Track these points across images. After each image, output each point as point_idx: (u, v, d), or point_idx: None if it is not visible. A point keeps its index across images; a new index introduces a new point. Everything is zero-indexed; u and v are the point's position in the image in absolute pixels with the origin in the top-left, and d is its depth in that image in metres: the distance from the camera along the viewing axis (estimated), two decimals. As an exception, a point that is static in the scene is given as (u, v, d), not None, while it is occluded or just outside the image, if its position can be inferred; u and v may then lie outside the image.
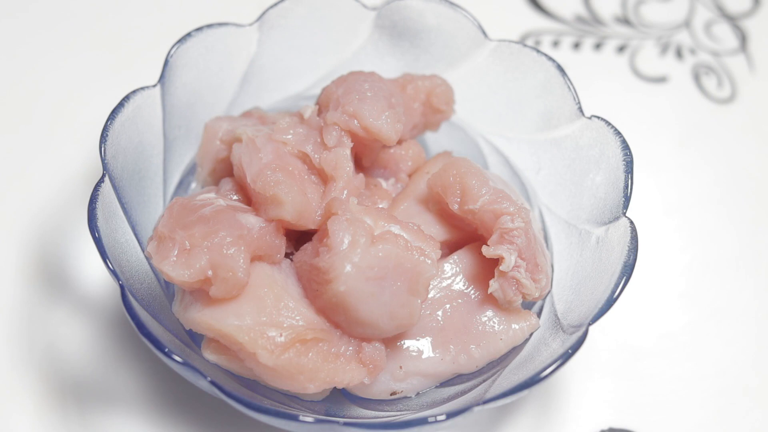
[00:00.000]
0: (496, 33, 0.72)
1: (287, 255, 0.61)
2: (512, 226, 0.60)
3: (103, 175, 0.59)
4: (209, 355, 0.58)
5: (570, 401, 0.70)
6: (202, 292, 0.56)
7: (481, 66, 0.71)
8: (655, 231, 0.79)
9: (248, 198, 0.62)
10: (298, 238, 0.62)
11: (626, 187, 0.61)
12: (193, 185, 0.71)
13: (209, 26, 0.67)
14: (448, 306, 0.62)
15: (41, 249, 0.74)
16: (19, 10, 0.89)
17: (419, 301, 0.57)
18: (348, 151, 0.62)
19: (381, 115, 0.62)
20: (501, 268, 0.60)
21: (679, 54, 0.92)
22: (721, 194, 0.83)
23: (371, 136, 0.62)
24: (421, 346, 0.61)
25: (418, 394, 0.62)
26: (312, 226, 0.61)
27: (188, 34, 0.66)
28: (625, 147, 0.62)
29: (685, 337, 0.74)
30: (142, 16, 0.90)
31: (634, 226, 0.59)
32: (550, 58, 0.67)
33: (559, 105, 0.67)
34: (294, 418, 0.52)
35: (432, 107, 0.69)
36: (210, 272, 0.55)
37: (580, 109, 0.66)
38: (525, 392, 0.54)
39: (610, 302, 0.57)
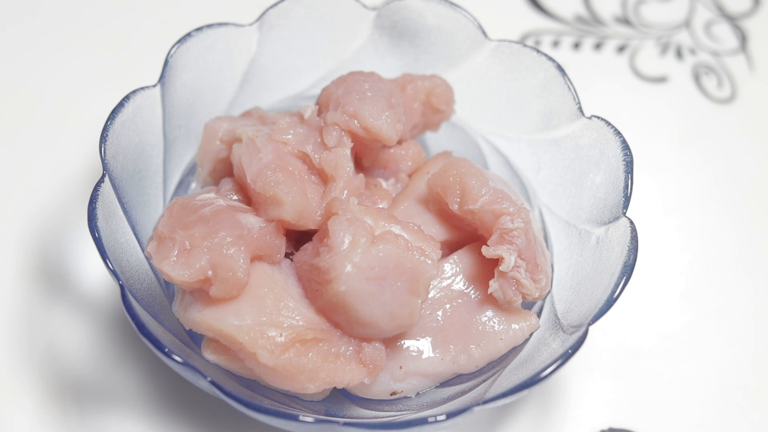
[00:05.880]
0: (496, 33, 0.72)
1: (287, 255, 0.61)
2: (512, 226, 0.60)
3: (103, 175, 0.59)
4: (209, 355, 0.58)
5: (570, 401, 0.70)
6: (202, 292, 0.56)
7: (481, 66, 0.71)
8: (655, 231, 0.79)
9: (248, 198, 0.62)
10: (298, 238, 0.62)
11: (626, 187, 0.61)
12: (193, 185, 0.71)
13: (209, 26, 0.67)
14: (448, 306, 0.62)
15: (41, 249, 0.74)
16: (21, 14, 0.89)
17: (419, 301, 0.57)
18: (348, 151, 0.62)
19: (381, 115, 0.62)
20: (501, 268, 0.60)
21: (679, 54, 0.92)
22: (721, 194, 0.83)
23: (371, 136, 0.62)
24: (421, 346, 0.61)
25: (418, 394, 0.62)
26: (312, 226, 0.61)
27: (188, 34, 0.66)
28: (625, 147, 0.62)
29: (685, 337, 0.74)
30: (142, 16, 0.90)
31: (634, 226, 0.59)
32: (550, 58, 0.67)
33: (559, 105, 0.67)
34: (294, 418, 0.52)
35: (432, 107, 0.69)
36: (210, 272, 0.55)
37: (580, 109, 0.66)
38: (525, 392, 0.54)
39: (610, 302, 0.57)
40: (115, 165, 0.61)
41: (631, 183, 0.61)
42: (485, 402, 0.53)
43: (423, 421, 0.52)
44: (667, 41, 0.93)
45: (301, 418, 0.52)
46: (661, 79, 0.90)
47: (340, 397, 0.61)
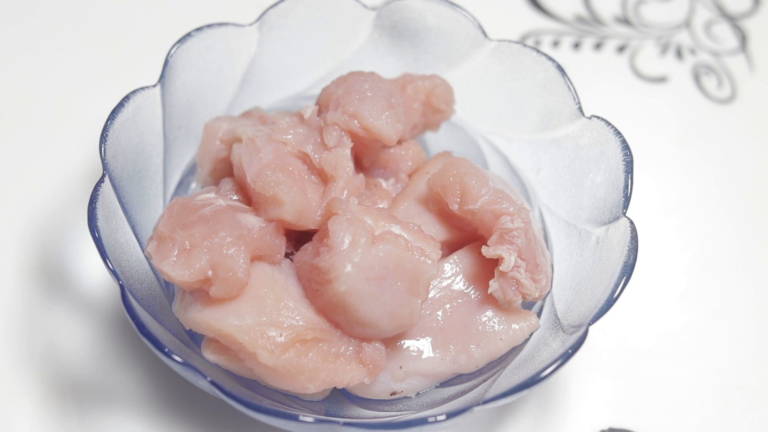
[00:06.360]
0: (496, 33, 0.72)
1: (287, 255, 0.61)
2: (512, 226, 0.60)
3: (103, 175, 0.59)
4: (209, 355, 0.58)
5: (570, 401, 0.70)
6: (202, 292, 0.56)
7: (481, 66, 0.71)
8: (655, 231, 0.79)
9: (248, 198, 0.62)
10: (298, 238, 0.62)
11: (626, 187, 0.61)
12: (193, 185, 0.71)
13: (209, 26, 0.67)
14: (448, 306, 0.62)
15: (41, 249, 0.74)
16: (21, 14, 0.89)
17: (419, 301, 0.57)
18: (348, 151, 0.62)
19: (381, 115, 0.62)
20: (501, 268, 0.60)
21: (679, 54, 0.92)
22: (721, 194, 0.83)
23: (371, 136, 0.62)
24: (421, 346, 0.61)
25: (418, 394, 0.62)
26: (312, 226, 0.61)
27: (188, 34, 0.66)
28: (625, 147, 0.62)
29: (685, 337, 0.74)
30: (142, 16, 0.90)
31: (634, 226, 0.59)
32: (550, 58, 0.67)
33: (559, 105, 0.67)
34: (294, 418, 0.52)
35: (432, 107, 0.69)
36: (210, 272, 0.55)
37: (580, 109, 0.66)
38: (525, 392, 0.54)
39: (610, 302, 0.57)
40: (115, 165, 0.60)
41: (631, 183, 0.61)
42: (485, 402, 0.53)
43: (423, 421, 0.52)
44: (667, 41, 0.93)
45: (301, 418, 0.52)
46: (661, 79, 0.90)
47: (340, 397, 0.61)
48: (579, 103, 0.66)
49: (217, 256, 0.55)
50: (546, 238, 0.67)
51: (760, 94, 0.90)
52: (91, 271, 0.72)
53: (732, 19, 0.95)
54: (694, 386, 0.71)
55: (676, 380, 0.71)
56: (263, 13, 0.69)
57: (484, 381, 0.61)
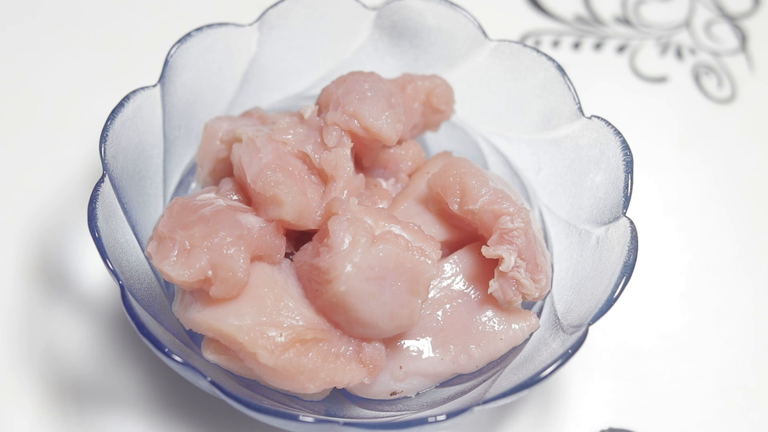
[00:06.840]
0: (496, 33, 0.73)
1: (287, 255, 0.61)
2: (512, 226, 0.60)
3: (103, 175, 0.59)
4: (209, 355, 0.58)
5: (570, 401, 0.70)
6: (202, 292, 0.57)
7: (481, 66, 0.71)
8: (655, 231, 0.79)
9: (248, 198, 0.62)
10: (298, 238, 0.62)
11: (626, 187, 0.61)
12: (193, 185, 0.71)
13: (209, 26, 0.67)
14: (448, 306, 0.62)
15: (41, 249, 0.74)
16: (21, 14, 0.89)
17: (419, 301, 0.57)
18: (348, 151, 0.62)
19: (381, 115, 0.62)
20: (501, 268, 0.60)
21: (679, 54, 0.92)
22: (721, 194, 0.83)
23: (371, 136, 0.62)
24: (421, 346, 0.61)
25: (418, 394, 0.62)
26: (312, 226, 0.61)
27: (188, 34, 0.66)
28: (625, 147, 0.62)
29: (685, 337, 0.74)
30: (142, 16, 0.90)
31: (634, 226, 0.59)
32: (550, 58, 0.67)
33: (559, 105, 0.67)
34: (294, 418, 0.52)
35: (432, 107, 0.69)
36: (210, 272, 0.55)
37: (580, 109, 0.66)
38: (525, 392, 0.54)
39: (610, 302, 0.57)
40: (115, 165, 0.61)
41: (631, 183, 0.61)
42: (485, 402, 0.53)
43: (423, 421, 0.52)
44: (667, 41, 0.93)
45: (301, 418, 0.52)
46: (661, 79, 0.90)
47: (340, 397, 0.61)
48: (579, 103, 0.66)
49: (217, 256, 0.55)
50: (546, 238, 0.67)
51: (760, 94, 0.90)
52: (91, 271, 0.72)
53: (732, 19, 0.95)
54: (694, 386, 0.71)
55: (676, 380, 0.71)
56: (263, 13, 0.69)
57: (484, 381, 0.61)
